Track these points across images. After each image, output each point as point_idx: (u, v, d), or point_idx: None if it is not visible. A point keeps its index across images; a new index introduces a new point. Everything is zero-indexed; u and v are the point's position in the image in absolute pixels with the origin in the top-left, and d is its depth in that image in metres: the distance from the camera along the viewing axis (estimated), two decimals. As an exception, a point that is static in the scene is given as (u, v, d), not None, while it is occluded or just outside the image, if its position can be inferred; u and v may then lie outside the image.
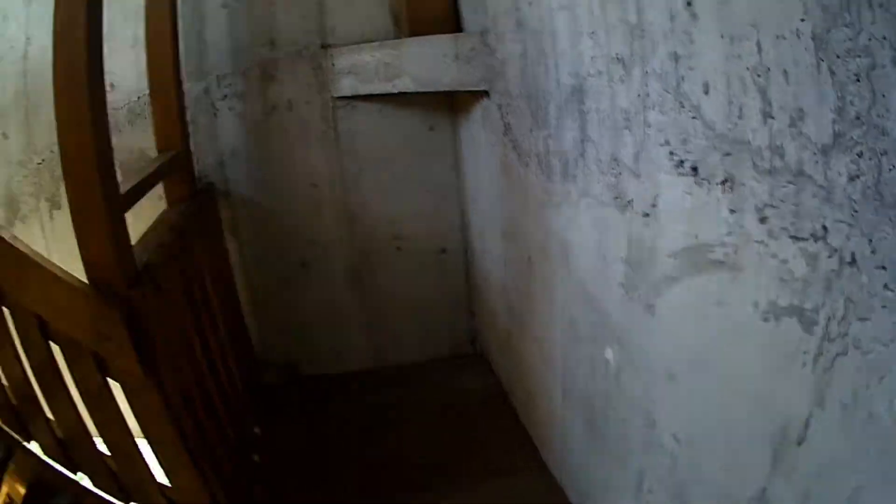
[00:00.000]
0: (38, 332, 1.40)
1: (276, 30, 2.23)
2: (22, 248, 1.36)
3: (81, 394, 1.44)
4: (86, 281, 1.36)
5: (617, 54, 1.08)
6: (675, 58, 0.91)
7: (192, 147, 2.18)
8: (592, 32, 1.16)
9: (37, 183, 2.46)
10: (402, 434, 2.03)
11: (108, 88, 2.16)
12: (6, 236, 1.37)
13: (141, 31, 2.05)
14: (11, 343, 1.47)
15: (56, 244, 2.33)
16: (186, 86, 2.17)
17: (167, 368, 1.43)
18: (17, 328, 1.44)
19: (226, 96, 2.29)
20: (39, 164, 2.42)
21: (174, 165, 2.02)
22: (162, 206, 2.07)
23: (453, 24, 2.00)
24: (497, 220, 1.99)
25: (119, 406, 1.44)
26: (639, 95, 1.03)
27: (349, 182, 2.32)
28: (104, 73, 1.37)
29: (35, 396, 1.52)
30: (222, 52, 2.26)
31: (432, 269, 2.44)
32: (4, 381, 1.56)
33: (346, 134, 2.27)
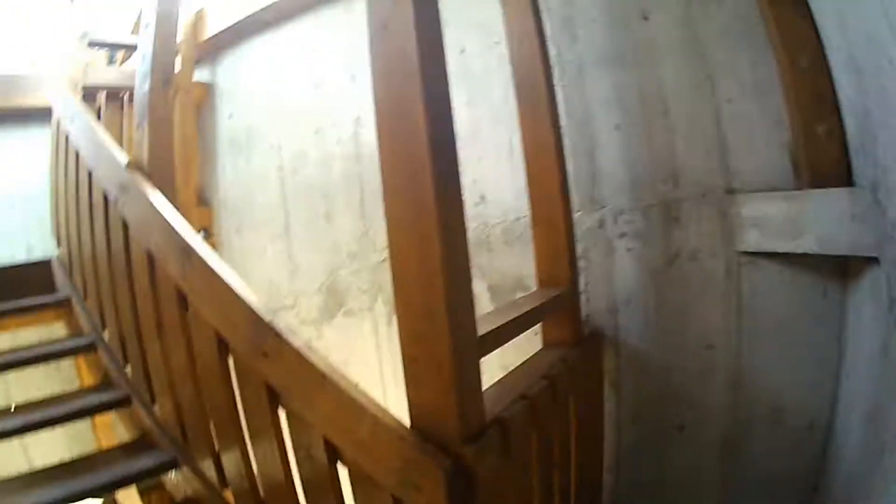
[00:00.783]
0: (325, 455, 1.20)
1: (677, 164, 1.97)
2: (314, 361, 1.19)
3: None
4: (402, 417, 1.12)
5: None
6: None
7: (580, 285, 1.95)
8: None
9: (375, 282, 2.29)
10: None
11: (476, 199, 2.19)
12: (298, 343, 1.21)
13: (518, 139, 1.82)
14: (280, 444, 1.34)
15: (393, 354, 2.04)
16: (576, 215, 1.97)
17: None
18: (294, 440, 1.27)
19: (624, 234, 2.03)
20: (381, 262, 2.31)
21: (557, 305, 1.75)
22: (536, 340, 1.80)
23: (845, 174, 1.69)
24: (865, 400, 1.65)
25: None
26: None
27: (743, 346, 1.99)
28: (461, 177, 1.11)
29: (295, 498, 1.34)
30: (618, 181, 2.03)
31: (796, 443, 2.00)
32: (256, 471, 1.44)
33: (748, 293, 1.96)
